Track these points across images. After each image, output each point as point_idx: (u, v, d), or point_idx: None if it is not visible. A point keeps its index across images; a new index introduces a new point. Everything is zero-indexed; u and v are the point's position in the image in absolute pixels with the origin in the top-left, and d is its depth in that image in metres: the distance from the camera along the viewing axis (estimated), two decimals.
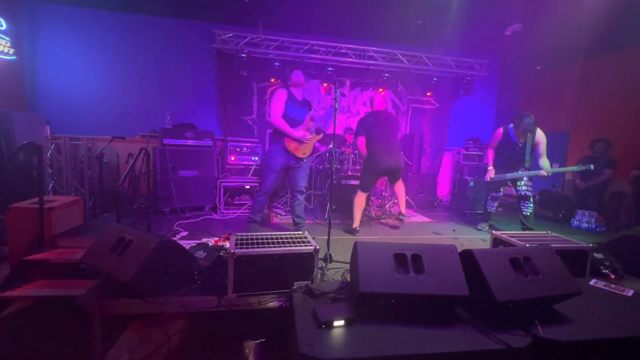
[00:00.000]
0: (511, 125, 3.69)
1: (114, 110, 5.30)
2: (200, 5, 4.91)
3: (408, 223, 4.45)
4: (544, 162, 3.51)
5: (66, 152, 4.18)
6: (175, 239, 3.06)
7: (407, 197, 5.41)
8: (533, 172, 3.56)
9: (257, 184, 4.55)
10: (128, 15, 5.29)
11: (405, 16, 4.74)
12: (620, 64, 4.85)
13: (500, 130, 3.80)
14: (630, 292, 1.96)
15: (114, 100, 5.32)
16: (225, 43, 5.32)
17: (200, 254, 2.25)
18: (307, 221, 4.17)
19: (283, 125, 3.15)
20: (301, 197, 3.37)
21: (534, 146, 3.59)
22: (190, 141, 4.38)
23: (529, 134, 3.54)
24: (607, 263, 2.43)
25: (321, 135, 3.38)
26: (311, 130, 3.25)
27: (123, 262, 1.78)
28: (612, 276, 2.34)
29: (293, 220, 3.41)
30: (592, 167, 3.35)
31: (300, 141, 3.21)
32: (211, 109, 5.79)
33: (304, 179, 3.36)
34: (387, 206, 4.96)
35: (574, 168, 3.51)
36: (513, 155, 3.69)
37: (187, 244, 2.58)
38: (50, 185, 4.18)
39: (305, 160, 3.34)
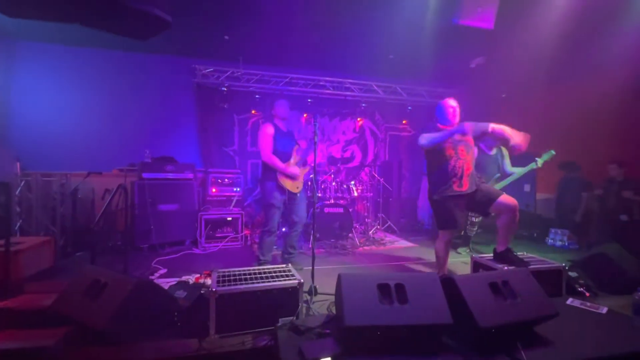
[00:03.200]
0: (481, 143, 3.99)
1: (91, 144, 5.19)
2: (181, 42, 5.05)
3: (392, 248, 4.49)
4: (511, 167, 3.83)
5: (37, 188, 4.01)
6: (153, 277, 2.95)
7: (389, 222, 5.50)
8: (524, 170, 3.61)
9: (239, 216, 4.49)
10: (106, 51, 5.34)
11: (378, 51, 5.05)
12: (578, 90, 5.29)
13: (475, 149, 4.02)
14: (605, 310, 2.03)
15: (91, 134, 5.23)
16: (206, 77, 5.44)
17: (180, 293, 2.17)
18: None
19: (276, 162, 3.08)
20: (299, 228, 3.30)
21: (503, 156, 3.90)
22: (171, 174, 4.32)
23: (502, 146, 3.88)
24: (581, 281, 2.53)
25: (307, 168, 3.36)
26: (299, 163, 3.24)
27: (97, 308, 1.70)
28: (587, 294, 2.43)
29: (286, 250, 3.30)
30: (538, 161, 3.40)
31: (292, 177, 3.16)
32: (191, 141, 5.78)
33: (303, 210, 3.30)
34: (370, 232, 4.99)
35: (532, 165, 3.53)
36: (489, 164, 3.92)
37: (166, 283, 2.50)
38: (18, 224, 3.95)
39: (301, 191, 3.31)
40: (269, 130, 3.13)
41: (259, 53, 5.42)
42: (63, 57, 5.17)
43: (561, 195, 5.04)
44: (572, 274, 2.62)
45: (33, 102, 5.03)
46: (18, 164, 4.73)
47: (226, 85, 5.43)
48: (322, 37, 4.75)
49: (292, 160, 3.21)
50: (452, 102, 2.80)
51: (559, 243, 4.46)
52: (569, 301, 2.18)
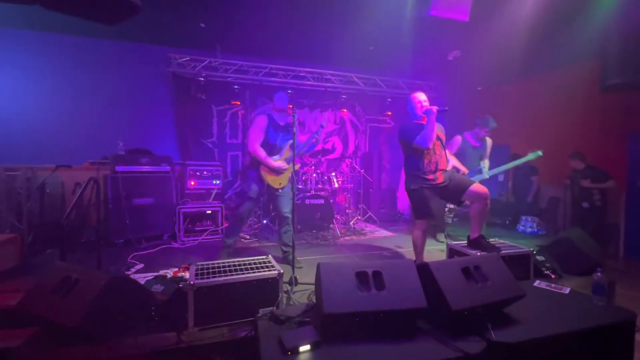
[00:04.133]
0: (466, 132, 4.08)
1: (59, 136, 4.92)
2: (154, 29, 4.84)
3: (372, 238, 4.58)
4: (487, 163, 3.94)
5: (0, 183, 3.78)
6: (129, 273, 2.87)
7: (369, 213, 5.59)
8: (505, 167, 3.91)
9: (218, 209, 4.43)
10: (76, 37, 5.05)
11: (358, 42, 5.04)
12: (550, 83, 5.51)
13: (459, 137, 4.12)
14: (568, 290, 2.17)
15: (60, 126, 4.95)
16: (182, 67, 5.26)
17: (158, 287, 2.13)
18: (270, 243, 4.14)
19: (260, 154, 3.05)
20: (288, 225, 3.20)
21: (486, 147, 4.01)
22: (146, 167, 4.18)
23: (487, 137, 3.97)
24: (547, 264, 2.69)
25: (298, 166, 3.29)
26: (289, 160, 3.11)
27: (68, 305, 1.64)
28: (553, 276, 2.59)
29: (280, 248, 3.27)
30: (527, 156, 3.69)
31: (277, 171, 3.11)
32: (168, 133, 5.61)
33: (287, 205, 3.19)
34: (351, 223, 5.06)
35: (510, 165, 3.95)
36: (472, 155, 4.02)
37: (143, 278, 2.44)
38: None
39: (285, 187, 3.21)
40: (262, 121, 3.11)
41: (237, 42, 5.28)
42: (29, 43, 4.83)
43: (515, 181, 5.47)
44: (540, 258, 2.77)
45: None
46: None
47: (203, 75, 5.28)
48: (302, 27, 4.69)
49: (279, 156, 3.14)
50: (421, 96, 2.84)
51: (529, 229, 4.70)
52: (536, 283, 2.30)
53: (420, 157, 2.75)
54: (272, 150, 3.11)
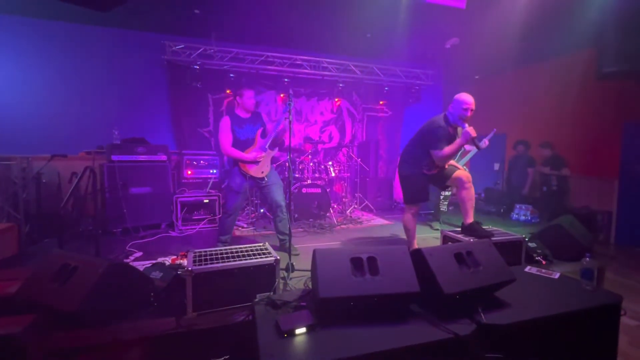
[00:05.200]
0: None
1: (54, 126, 4.88)
2: (147, 15, 4.75)
3: (368, 226, 4.62)
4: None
5: None
6: (127, 261, 2.90)
7: (366, 202, 5.63)
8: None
9: (216, 197, 4.44)
10: (69, 24, 4.94)
11: (356, 29, 4.99)
12: (547, 72, 5.50)
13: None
14: (557, 275, 2.22)
15: (54, 115, 4.90)
16: (177, 54, 5.18)
17: (156, 274, 2.16)
18: (267, 232, 4.17)
19: (235, 153, 3.10)
20: (282, 213, 3.22)
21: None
22: (142, 156, 4.17)
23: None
24: (539, 251, 2.75)
25: (275, 149, 3.28)
26: (263, 147, 3.14)
27: (67, 291, 1.66)
28: (544, 262, 2.65)
29: (277, 237, 3.31)
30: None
31: (254, 162, 3.13)
32: (164, 122, 5.57)
33: (278, 193, 3.22)
34: (347, 212, 5.10)
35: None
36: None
37: (141, 265, 2.47)
38: None
39: (270, 175, 3.23)
40: (225, 123, 3.14)
41: (233, 30, 5.20)
42: (21, 30, 4.74)
43: (510, 171, 5.55)
44: (532, 244, 2.83)
45: None
46: None
47: (198, 63, 5.20)
48: (299, 13, 4.61)
49: (251, 147, 3.16)
50: (468, 99, 2.66)
51: (522, 217, 4.77)
52: (527, 269, 2.36)
53: (428, 158, 2.81)
54: (244, 146, 3.14)
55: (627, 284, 3.06)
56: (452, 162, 2.96)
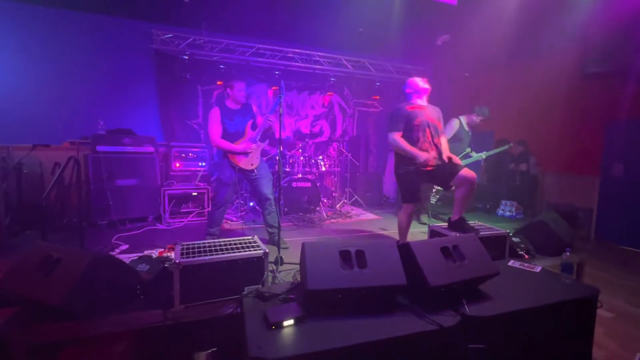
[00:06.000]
0: (462, 116, 4.18)
1: (36, 115, 4.70)
2: (135, 2, 4.61)
3: (358, 220, 4.67)
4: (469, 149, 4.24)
5: None
6: (113, 253, 2.85)
7: (356, 196, 5.67)
8: (492, 152, 4.28)
9: (205, 190, 4.40)
10: (50, 9, 4.75)
11: (347, 23, 4.96)
12: (535, 69, 5.59)
13: (456, 120, 4.18)
14: (539, 269, 2.29)
15: (37, 103, 4.73)
16: (165, 44, 5.06)
17: (143, 267, 2.14)
18: (257, 225, 4.16)
19: (225, 145, 3.06)
20: (270, 207, 3.19)
21: (469, 136, 4.22)
22: (129, 148, 4.08)
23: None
24: (522, 245, 2.82)
25: (266, 141, 3.26)
26: (254, 139, 3.12)
27: (51, 283, 1.63)
28: (526, 256, 2.72)
29: (266, 230, 3.29)
30: (511, 144, 4.29)
31: (245, 154, 3.10)
32: (151, 113, 5.45)
33: (267, 186, 3.19)
34: (337, 206, 5.12)
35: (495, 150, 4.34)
36: (465, 141, 4.17)
37: (127, 258, 2.44)
38: None
39: (260, 168, 3.21)
40: (215, 114, 3.09)
41: (223, 20, 5.10)
42: (1, 13, 4.52)
43: (498, 168, 5.73)
44: (516, 239, 2.90)
45: None
46: None
47: (188, 53, 5.10)
48: (291, 5, 4.55)
49: (241, 139, 3.13)
50: (423, 84, 2.97)
51: (507, 213, 4.88)
52: (510, 263, 2.43)
53: (412, 142, 2.76)
54: (234, 137, 3.10)
55: (604, 277, 3.18)
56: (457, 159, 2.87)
